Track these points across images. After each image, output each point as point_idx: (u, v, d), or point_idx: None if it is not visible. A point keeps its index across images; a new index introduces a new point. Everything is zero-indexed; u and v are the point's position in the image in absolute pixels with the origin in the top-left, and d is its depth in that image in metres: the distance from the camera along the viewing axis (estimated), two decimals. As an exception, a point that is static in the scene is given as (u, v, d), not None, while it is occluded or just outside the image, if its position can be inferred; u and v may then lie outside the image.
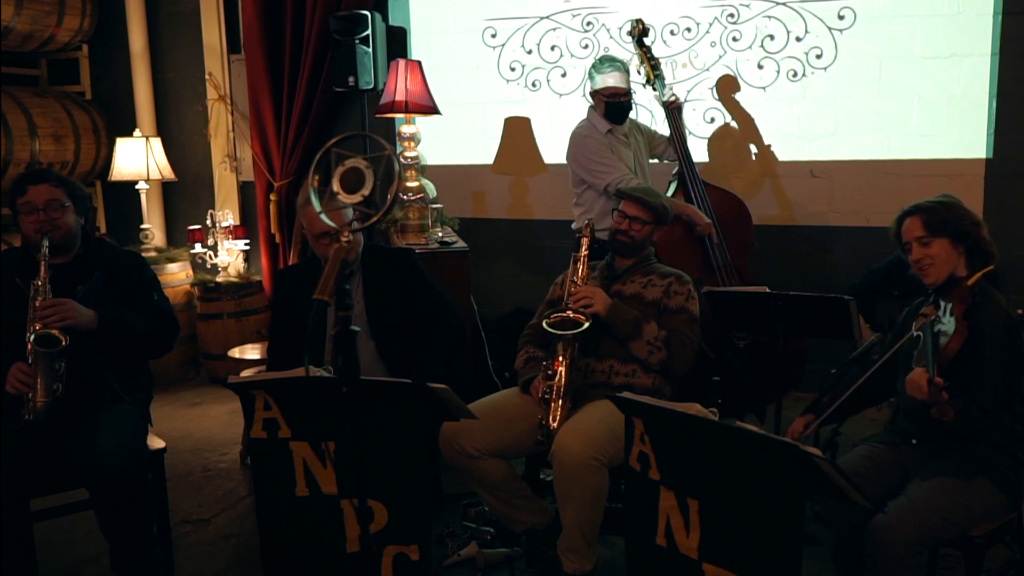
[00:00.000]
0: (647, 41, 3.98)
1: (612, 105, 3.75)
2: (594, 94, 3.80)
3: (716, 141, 4.57)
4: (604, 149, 3.72)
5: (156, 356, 2.82)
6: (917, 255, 2.30)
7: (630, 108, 3.83)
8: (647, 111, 4.55)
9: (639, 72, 3.96)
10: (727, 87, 4.51)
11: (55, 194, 2.61)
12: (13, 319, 2.54)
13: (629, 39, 4.10)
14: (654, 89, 3.95)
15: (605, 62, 3.77)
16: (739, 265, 3.80)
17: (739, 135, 4.53)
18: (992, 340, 2.18)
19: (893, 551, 2.06)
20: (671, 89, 4.03)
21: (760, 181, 4.53)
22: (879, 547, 2.08)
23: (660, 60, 3.99)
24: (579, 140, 3.80)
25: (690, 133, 4.20)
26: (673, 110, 3.88)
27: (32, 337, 2.44)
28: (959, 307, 2.23)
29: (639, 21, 3.99)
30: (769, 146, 4.49)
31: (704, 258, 3.73)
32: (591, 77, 3.80)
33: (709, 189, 3.85)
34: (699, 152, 4.45)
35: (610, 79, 3.72)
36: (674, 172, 3.92)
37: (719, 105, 4.53)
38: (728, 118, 4.53)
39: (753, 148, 4.52)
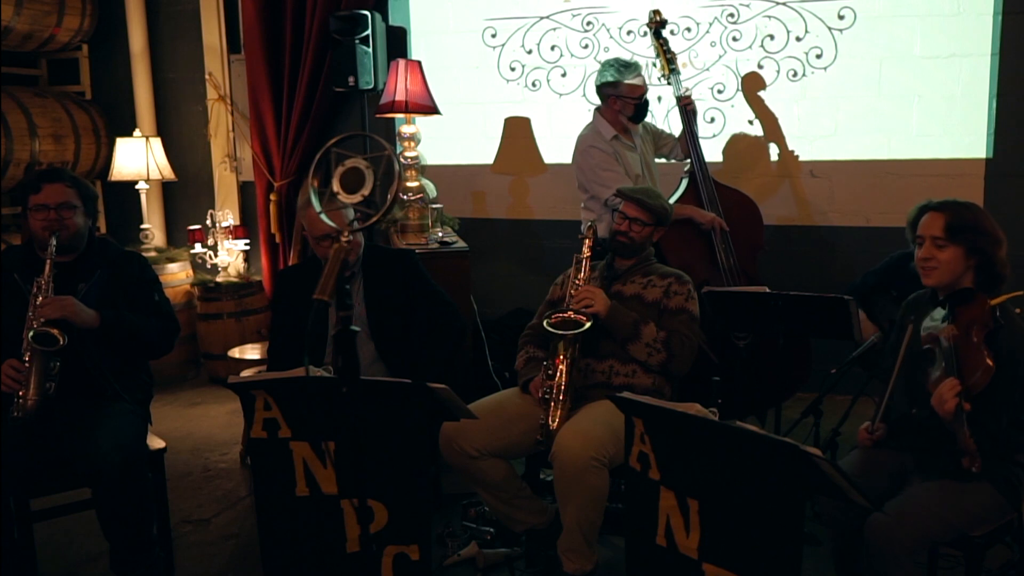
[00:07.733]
0: (664, 33, 3.91)
1: (640, 107, 3.70)
2: (615, 97, 3.67)
3: (729, 140, 4.55)
4: (608, 160, 3.66)
5: (155, 356, 2.83)
6: (926, 254, 2.21)
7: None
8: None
9: (654, 65, 3.87)
10: (752, 84, 4.47)
11: (68, 195, 2.63)
12: (11, 317, 2.54)
13: (646, 31, 3.99)
14: (669, 84, 3.88)
15: (631, 67, 3.67)
16: (747, 267, 3.76)
17: (756, 133, 4.51)
18: (1015, 364, 2.10)
19: (892, 552, 2.05)
20: (686, 86, 3.95)
21: (776, 181, 4.51)
22: (878, 548, 2.08)
23: (676, 54, 3.92)
24: (583, 149, 3.74)
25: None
26: (689, 112, 3.81)
27: (31, 334, 2.44)
28: (979, 331, 2.09)
29: (656, 12, 3.91)
30: (792, 151, 4.46)
31: (712, 259, 3.71)
32: (610, 80, 3.66)
33: (720, 188, 3.80)
34: (709, 151, 4.40)
35: (638, 83, 3.66)
36: (685, 170, 3.88)
37: (720, 105, 4.53)
38: (751, 116, 4.50)
39: (774, 148, 4.49)
